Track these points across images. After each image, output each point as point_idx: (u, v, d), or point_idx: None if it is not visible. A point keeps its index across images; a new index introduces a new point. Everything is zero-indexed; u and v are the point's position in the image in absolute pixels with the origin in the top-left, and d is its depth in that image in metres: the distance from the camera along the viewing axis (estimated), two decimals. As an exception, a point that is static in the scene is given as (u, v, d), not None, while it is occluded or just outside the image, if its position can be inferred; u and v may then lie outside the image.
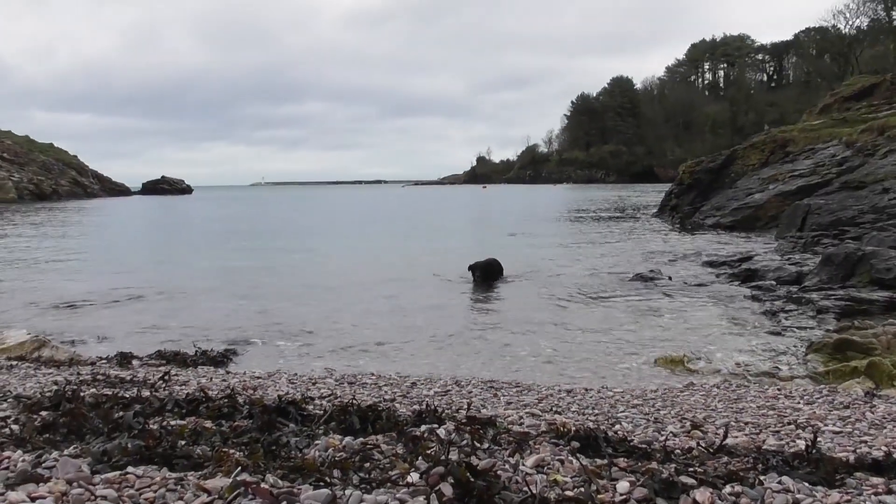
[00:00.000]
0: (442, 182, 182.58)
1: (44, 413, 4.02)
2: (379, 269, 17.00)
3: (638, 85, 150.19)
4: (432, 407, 4.16)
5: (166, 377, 5.97)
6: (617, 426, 4.04)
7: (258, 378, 6.35)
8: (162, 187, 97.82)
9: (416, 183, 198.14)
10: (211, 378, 6.20)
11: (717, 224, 26.05)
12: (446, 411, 4.48)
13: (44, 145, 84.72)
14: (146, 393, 4.95)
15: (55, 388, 5.41)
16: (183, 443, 2.93)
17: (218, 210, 57.78)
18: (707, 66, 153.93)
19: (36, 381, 5.84)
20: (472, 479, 2.28)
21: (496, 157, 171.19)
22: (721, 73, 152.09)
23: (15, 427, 3.51)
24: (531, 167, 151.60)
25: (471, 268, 13.68)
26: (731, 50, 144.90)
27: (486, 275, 13.56)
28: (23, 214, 43.63)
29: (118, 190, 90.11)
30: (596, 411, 4.77)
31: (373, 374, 6.69)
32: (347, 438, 3.21)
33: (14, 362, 7.09)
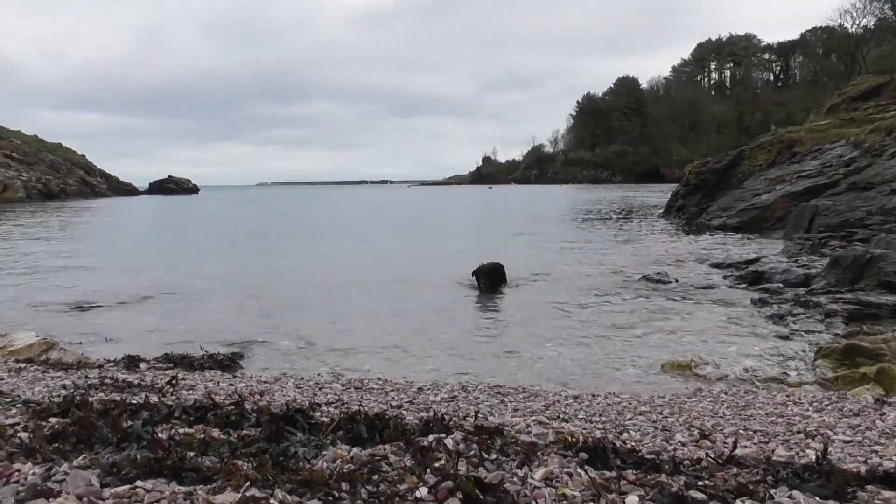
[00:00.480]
0: (447, 182, 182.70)
1: (53, 420, 4.03)
2: (385, 270, 17.00)
3: (644, 85, 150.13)
4: (440, 415, 4.15)
5: (174, 381, 5.98)
6: (625, 434, 4.03)
7: (265, 383, 6.36)
8: (169, 187, 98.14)
9: (422, 183, 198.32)
10: (218, 382, 6.21)
11: (723, 225, 25.97)
12: (453, 419, 4.47)
13: (52, 145, 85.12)
14: (154, 398, 4.96)
15: (63, 392, 5.43)
16: (192, 454, 2.93)
17: (224, 210, 57.93)
18: (713, 66, 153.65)
19: (44, 385, 5.85)
20: (480, 496, 2.28)
21: (502, 157, 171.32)
22: (727, 72, 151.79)
23: (24, 435, 3.52)
24: (537, 167, 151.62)
25: (475, 273, 13.56)
26: (738, 49, 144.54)
27: (491, 280, 13.46)
28: (31, 214, 43.81)
29: (126, 189, 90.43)
30: (603, 419, 4.75)
31: (379, 379, 6.69)
32: (355, 449, 3.20)
33: (22, 365, 7.11)
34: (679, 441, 3.75)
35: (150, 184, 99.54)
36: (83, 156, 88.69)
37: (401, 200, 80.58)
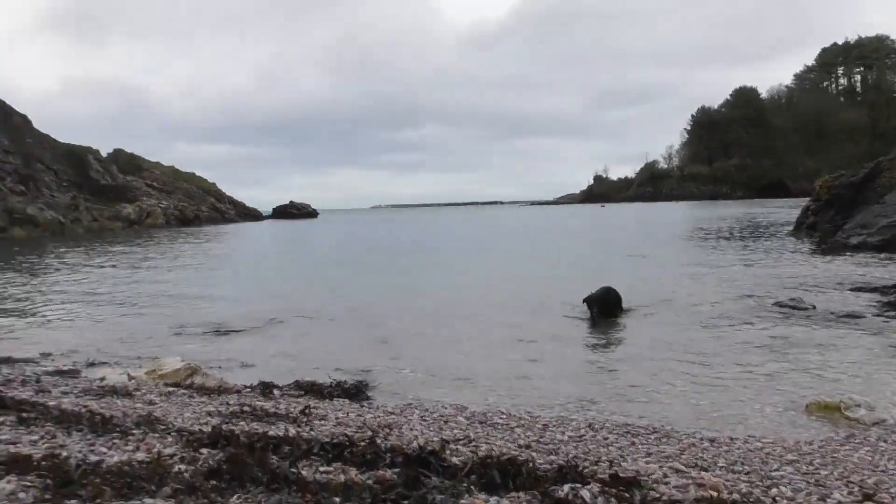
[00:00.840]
0: (558, 202, 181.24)
1: (204, 451, 4.30)
2: (496, 294, 17.01)
3: (763, 94, 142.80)
4: (572, 461, 4.06)
5: (306, 411, 6.24)
6: (773, 490, 3.76)
7: (391, 414, 6.49)
8: (290, 212, 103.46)
9: (533, 203, 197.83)
10: (347, 413, 6.40)
11: (863, 244, 24.02)
12: (585, 463, 4.37)
13: (187, 174, 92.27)
14: (292, 430, 5.18)
15: (210, 420, 5.79)
16: (338, 500, 3.03)
17: (342, 233, 60.31)
18: (841, 71, 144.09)
19: (192, 411, 6.24)
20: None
21: (613, 175, 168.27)
22: (857, 77, 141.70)
23: (182, 467, 3.78)
24: (650, 184, 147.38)
25: (586, 301, 12.92)
26: (868, 52, 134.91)
27: (604, 307, 12.83)
28: (169, 239, 47.48)
29: (251, 215, 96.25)
30: (746, 468, 4.47)
31: (503, 413, 6.65)
32: (493, 500, 3.20)
33: (171, 388, 7.66)
34: (838, 501, 3.47)
35: (274, 209, 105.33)
36: (214, 183, 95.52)
37: (511, 221, 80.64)
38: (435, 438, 5.15)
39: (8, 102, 67.46)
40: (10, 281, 21.87)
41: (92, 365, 9.72)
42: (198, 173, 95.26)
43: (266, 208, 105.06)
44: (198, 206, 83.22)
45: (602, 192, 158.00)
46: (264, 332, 12.69)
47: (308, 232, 64.94)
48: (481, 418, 6.35)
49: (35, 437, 4.37)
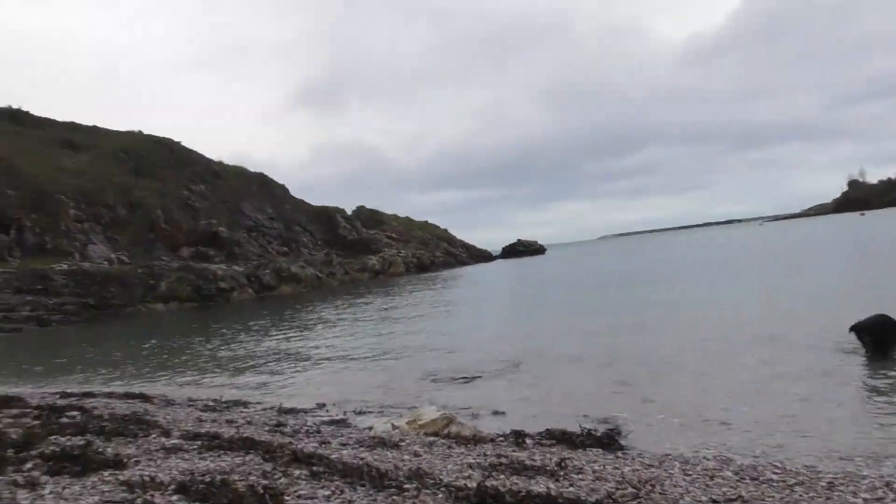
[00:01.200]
0: (806, 214, 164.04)
1: (473, 510, 4.51)
2: (745, 325, 15.72)
3: None
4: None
5: (563, 464, 6.24)
6: None
7: (650, 467, 6.24)
8: (518, 250, 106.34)
9: (776, 218, 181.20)
10: (603, 465, 6.29)
11: None
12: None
13: (419, 223, 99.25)
14: (552, 487, 5.23)
15: (470, 472, 6.04)
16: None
17: (570, 268, 60.23)
18: None
19: (453, 463, 6.56)
20: None
21: (872, 178, 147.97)
22: None
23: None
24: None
25: (854, 329, 11.21)
26: None
27: (879, 337, 10.91)
28: (410, 286, 51.07)
29: (482, 256, 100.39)
30: None
31: (777, 468, 6.07)
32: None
33: (431, 438, 8.14)
34: None
35: (503, 248, 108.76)
36: (445, 229, 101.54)
37: (752, 240, 74.41)
38: (703, 498, 4.87)
39: (269, 175, 78.59)
40: (284, 335, 25.02)
41: (360, 413, 10.69)
42: (430, 220, 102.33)
43: (495, 248, 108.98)
44: (432, 252, 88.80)
45: (858, 197, 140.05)
46: (505, 377, 12.99)
47: (536, 269, 65.90)
48: (751, 473, 5.85)
49: (327, 493, 4.92)
